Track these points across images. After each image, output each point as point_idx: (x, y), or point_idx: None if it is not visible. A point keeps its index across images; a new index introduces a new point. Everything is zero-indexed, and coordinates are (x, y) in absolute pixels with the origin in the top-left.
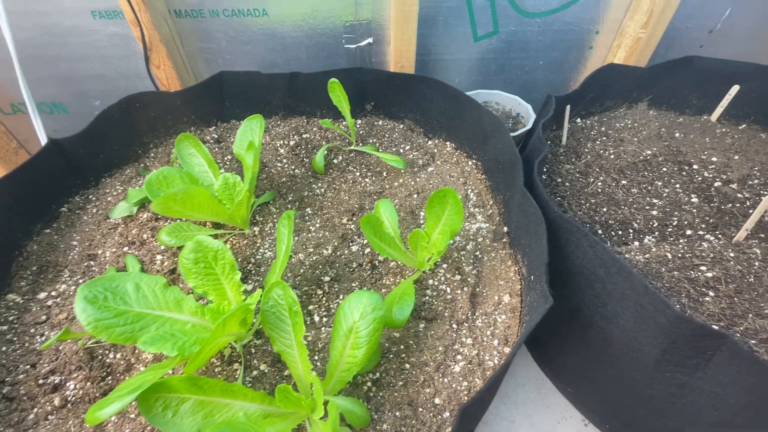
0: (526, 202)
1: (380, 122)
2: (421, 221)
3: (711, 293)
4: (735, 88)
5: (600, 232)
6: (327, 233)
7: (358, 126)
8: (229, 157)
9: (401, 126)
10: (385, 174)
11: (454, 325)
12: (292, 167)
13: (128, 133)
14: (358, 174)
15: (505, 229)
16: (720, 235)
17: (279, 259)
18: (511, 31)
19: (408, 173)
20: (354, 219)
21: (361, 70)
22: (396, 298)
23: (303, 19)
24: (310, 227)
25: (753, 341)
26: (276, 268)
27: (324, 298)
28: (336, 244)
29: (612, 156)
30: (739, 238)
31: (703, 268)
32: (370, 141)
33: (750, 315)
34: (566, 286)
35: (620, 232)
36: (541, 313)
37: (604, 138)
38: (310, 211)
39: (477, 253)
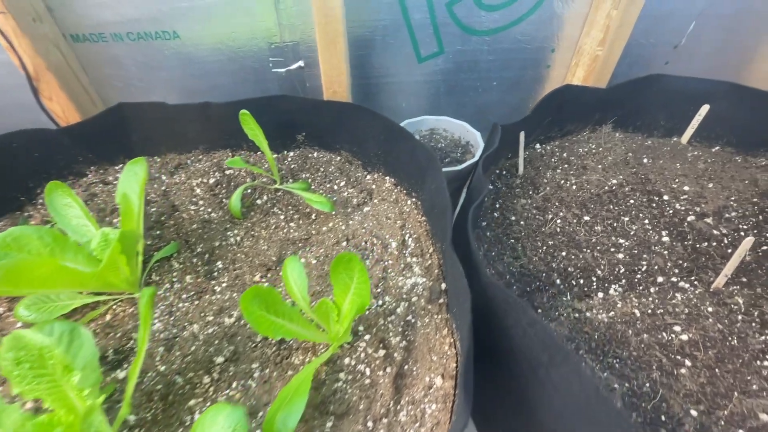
0: (452, 265)
1: (315, 154)
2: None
3: (687, 363)
4: (705, 108)
5: (558, 282)
6: (235, 294)
7: (290, 159)
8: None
9: (338, 158)
10: (314, 216)
11: (370, 423)
12: (209, 210)
13: (8, 178)
14: (282, 217)
15: (443, 286)
16: (696, 282)
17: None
18: (458, 51)
19: (340, 215)
20: (269, 275)
21: (284, 98)
22: (285, 399)
23: (221, 41)
24: (216, 287)
25: None
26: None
27: (211, 388)
28: None
29: (574, 187)
30: (718, 284)
31: (678, 328)
32: (303, 176)
33: (735, 393)
34: (507, 369)
35: (581, 281)
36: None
37: (566, 165)
38: (220, 265)
39: (410, 317)
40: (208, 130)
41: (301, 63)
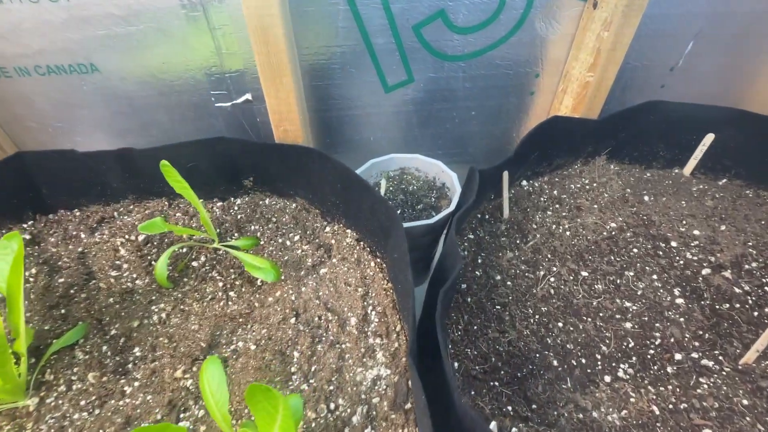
0: (414, 384)
1: (267, 201)
2: (293, 367)
3: None
4: (710, 138)
5: (555, 363)
6: (149, 397)
7: (237, 207)
8: (47, 268)
9: (293, 205)
10: (260, 282)
11: None
12: (133, 276)
13: None
14: (221, 284)
15: (410, 383)
16: (721, 357)
17: None
18: (430, 78)
19: (291, 279)
20: (195, 367)
21: (222, 140)
22: None
23: (150, 74)
24: (125, 387)
25: None
26: None
27: None
28: (158, 417)
29: (568, 233)
30: (748, 360)
31: (707, 430)
32: (252, 228)
33: None
34: None
35: (584, 361)
36: None
37: (558, 206)
38: (137, 353)
39: (368, 431)
40: (136, 177)
41: (248, 96)
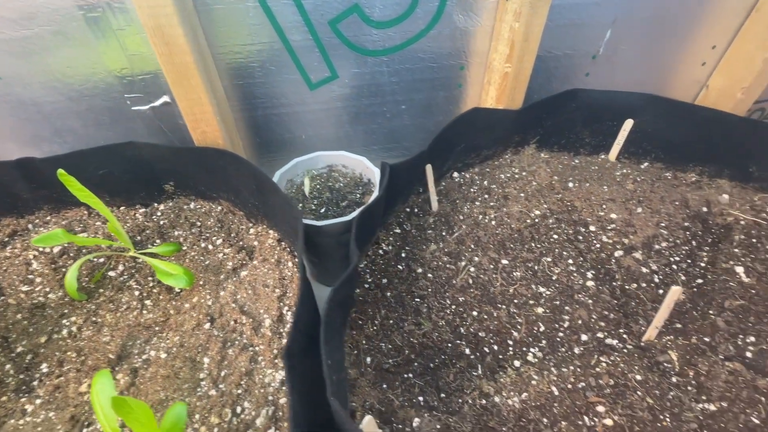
0: (286, 383)
1: (192, 205)
2: (203, 373)
3: None
4: (629, 123)
5: (468, 352)
6: (52, 414)
7: (161, 213)
8: None
9: (218, 208)
10: (177, 290)
11: None
12: (46, 290)
13: None
14: (137, 293)
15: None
16: (625, 335)
17: None
18: (355, 74)
19: (211, 284)
20: None
21: (131, 145)
22: None
23: (56, 79)
24: (27, 405)
25: None
26: None
27: None
28: None
29: (493, 222)
30: (650, 337)
31: (601, 408)
32: (176, 234)
33: None
34: None
35: (496, 348)
36: None
37: (486, 196)
38: (44, 369)
39: (271, 431)
40: (45, 186)
41: (166, 98)
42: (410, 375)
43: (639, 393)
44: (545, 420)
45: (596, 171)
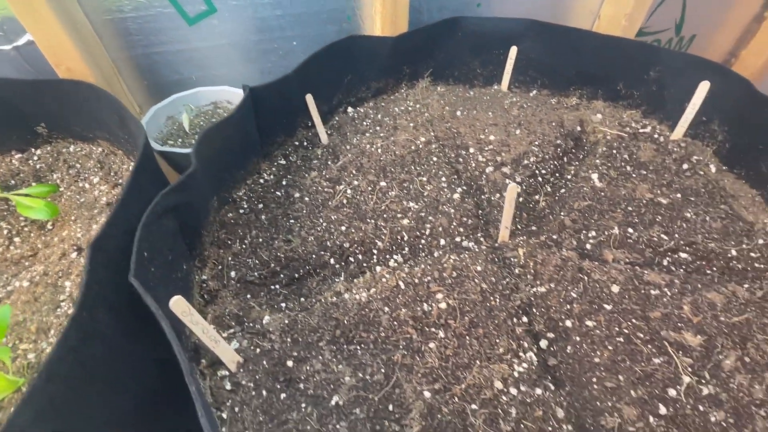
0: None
1: (71, 148)
2: (63, 295)
3: (441, 334)
4: (513, 50)
5: (332, 262)
6: None
7: (37, 158)
8: None
9: (99, 149)
10: (50, 226)
11: None
12: None
13: None
14: (6, 232)
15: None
16: (483, 238)
17: None
18: (235, 7)
19: (83, 219)
20: None
21: None
22: None
23: None
24: None
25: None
26: None
27: None
28: None
29: (379, 151)
30: (503, 238)
31: (440, 295)
32: (54, 177)
33: (477, 362)
34: None
35: (360, 258)
36: None
37: (378, 128)
38: None
39: None
40: None
41: (29, 36)
42: (276, 286)
43: (476, 281)
44: (386, 308)
45: (488, 101)
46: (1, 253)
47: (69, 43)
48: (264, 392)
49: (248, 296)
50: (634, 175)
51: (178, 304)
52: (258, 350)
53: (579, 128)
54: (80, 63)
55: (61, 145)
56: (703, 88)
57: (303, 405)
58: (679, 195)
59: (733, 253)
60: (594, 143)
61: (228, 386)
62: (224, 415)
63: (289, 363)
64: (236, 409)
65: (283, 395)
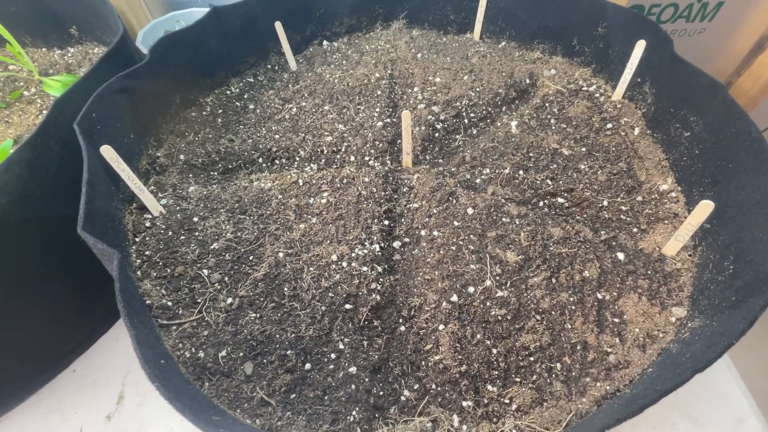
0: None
1: (96, 50)
2: None
3: (313, 220)
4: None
5: (261, 160)
6: None
7: (71, 54)
8: None
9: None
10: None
11: None
12: None
13: None
14: (39, 105)
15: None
16: (388, 161)
17: None
18: None
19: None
20: None
21: None
22: None
23: None
24: None
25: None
26: None
27: None
28: None
29: (335, 81)
30: (406, 163)
31: (326, 194)
32: (81, 71)
33: (327, 242)
34: None
35: (283, 161)
36: None
37: (344, 62)
38: None
39: None
40: None
41: None
42: (214, 173)
43: (359, 188)
44: (280, 196)
45: (456, 48)
46: (32, 120)
47: None
48: (170, 232)
49: (190, 175)
50: (553, 128)
51: (106, 150)
52: (177, 207)
53: (528, 81)
54: None
55: (88, 47)
56: (639, 47)
57: (192, 244)
58: (584, 149)
59: (605, 203)
60: (534, 96)
61: (147, 224)
62: (137, 239)
63: (195, 219)
64: (147, 238)
65: (182, 237)
